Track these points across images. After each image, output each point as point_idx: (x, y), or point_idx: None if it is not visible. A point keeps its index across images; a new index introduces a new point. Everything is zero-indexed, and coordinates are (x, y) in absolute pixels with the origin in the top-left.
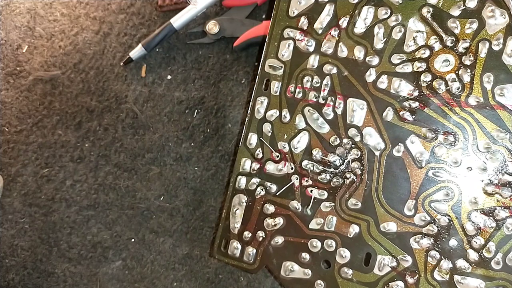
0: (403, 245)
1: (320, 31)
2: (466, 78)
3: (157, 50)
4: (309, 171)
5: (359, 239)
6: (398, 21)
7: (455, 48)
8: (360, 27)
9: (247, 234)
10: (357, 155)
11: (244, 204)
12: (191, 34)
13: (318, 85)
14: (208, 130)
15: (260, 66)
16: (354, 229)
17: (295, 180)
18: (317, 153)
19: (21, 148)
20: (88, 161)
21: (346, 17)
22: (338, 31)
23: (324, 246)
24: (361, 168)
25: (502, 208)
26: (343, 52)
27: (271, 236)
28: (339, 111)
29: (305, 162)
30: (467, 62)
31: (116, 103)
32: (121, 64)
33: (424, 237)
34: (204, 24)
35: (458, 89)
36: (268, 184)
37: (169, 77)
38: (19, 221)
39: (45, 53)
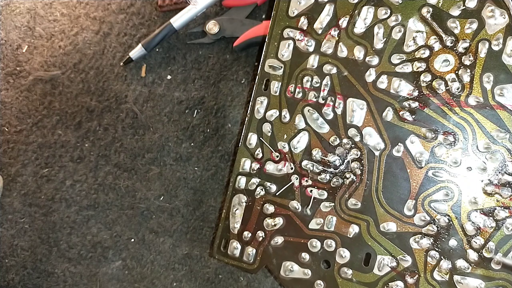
0: (402, 245)
1: (320, 31)
2: (466, 78)
3: (157, 50)
4: (309, 171)
5: (359, 239)
6: (398, 21)
7: (455, 48)
8: (360, 27)
9: (246, 234)
10: (357, 155)
11: (244, 204)
12: (191, 34)
13: (318, 85)
14: (208, 130)
15: (260, 66)
16: (353, 229)
17: (295, 180)
18: (317, 153)
19: (21, 148)
20: (88, 161)
21: (346, 17)
22: (338, 31)
23: (324, 246)
24: (361, 168)
25: (502, 208)
26: (343, 52)
27: (271, 236)
28: (339, 111)
29: (305, 162)
30: (467, 62)
31: (116, 103)
32: (121, 64)
33: (424, 237)
34: (204, 24)
35: (458, 89)
36: (268, 184)
37: (169, 77)
38: (19, 221)
39: (45, 53)
